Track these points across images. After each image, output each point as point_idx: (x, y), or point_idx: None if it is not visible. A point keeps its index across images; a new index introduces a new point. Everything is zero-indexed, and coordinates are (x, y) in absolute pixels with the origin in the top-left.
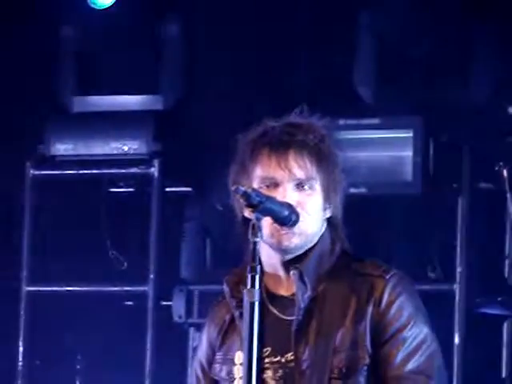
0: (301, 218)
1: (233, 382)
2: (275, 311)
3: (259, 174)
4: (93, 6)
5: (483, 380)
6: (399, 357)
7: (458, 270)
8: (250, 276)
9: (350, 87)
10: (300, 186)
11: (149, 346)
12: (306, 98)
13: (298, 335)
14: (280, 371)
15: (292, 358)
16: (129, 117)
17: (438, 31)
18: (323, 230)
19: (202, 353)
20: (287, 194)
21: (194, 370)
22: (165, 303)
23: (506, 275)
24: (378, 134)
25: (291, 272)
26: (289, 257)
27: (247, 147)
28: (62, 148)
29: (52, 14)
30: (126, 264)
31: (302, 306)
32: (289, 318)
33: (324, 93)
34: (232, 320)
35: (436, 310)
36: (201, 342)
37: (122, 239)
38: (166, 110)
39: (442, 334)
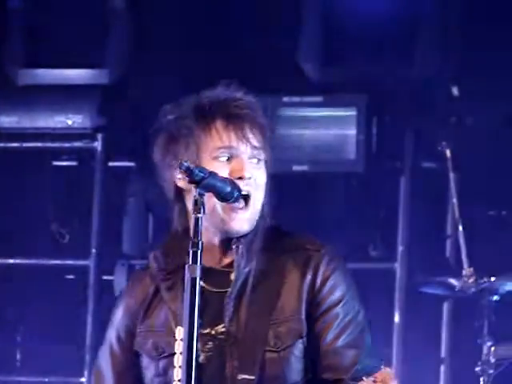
0: (252, 193)
1: (160, 355)
2: (204, 284)
3: (217, 144)
4: None
5: (422, 359)
6: (332, 332)
7: (400, 249)
8: (192, 252)
9: (295, 64)
10: (252, 158)
11: (90, 319)
12: (252, 73)
13: (231, 307)
14: (210, 343)
15: (223, 330)
16: (74, 90)
17: (384, 9)
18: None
19: (119, 324)
20: (245, 165)
21: (109, 342)
22: (106, 278)
23: (448, 255)
24: (321, 111)
25: (233, 246)
26: (233, 236)
27: (190, 119)
28: (7, 121)
29: None
30: (68, 238)
31: (240, 278)
32: (220, 290)
33: (269, 69)
34: (155, 293)
35: (377, 289)
36: (117, 314)
37: (65, 213)
38: (111, 84)
39: (383, 312)
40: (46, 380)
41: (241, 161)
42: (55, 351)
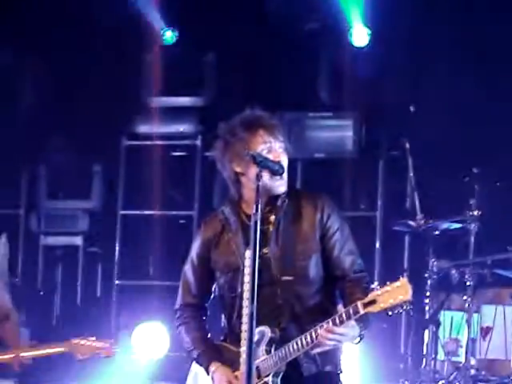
0: (284, 170)
1: (229, 270)
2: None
3: (261, 142)
4: None
5: (393, 260)
6: (337, 247)
7: (379, 203)
8: (255, 205)
9: (316, 93)
10: (280, 149)
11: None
12: (290, 100)
13: (271, 236)
14: (259, 261)
15: (267, 251)
16: (184, 110)
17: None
18: None
19: (198, 249)
20: (279, 154)
21: (191, 261)
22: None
23: (408, 206)
24: (332, 122)
25: (280, 199)
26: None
27: (240, 129)
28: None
29: None
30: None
31: (278, 218)
32: (263, 226)
33: (297, 96)
34: (221, 232)
35: (364, 229)
36: (196, 243)
37: (181, 184)
38: (205, 106)
39: (368, 242)
40: None
41: (276, 151)
42: None
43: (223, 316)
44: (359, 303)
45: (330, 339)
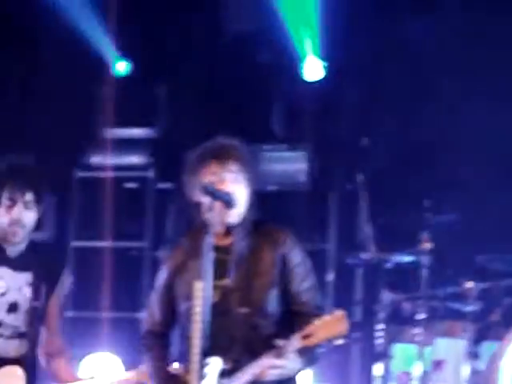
0: (237, 202)
1: (188, 297)
2: (216, 254)
3: (211, 171)
4: None
5: (345, 292)
6: (297, 281)
7: (331, 235)
8: (208, 234)
9: (268, 127)
10: (234, 180)
11: None
12: (243, 132)
13: (232, 267)
14: (219, 290)
15: (224, 282)
16: (136, 142)
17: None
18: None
19: (163, 279)
20: (228, 185)
21: (157, 290)
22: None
23: (360, 239)
24: (285, 153)
25: (234, 231)
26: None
27: (197, 160)
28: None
29: None
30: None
31: (238, 249)
32: (226, 257)
33: (250, 131)
34: (185, 261)
35: (316, 262)
36: (161, 273)
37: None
38: (158, 137)
39: (320, 276)
40: None
41: (226, 182)
42: None
43: (181, 344)
44: (296, 336)
45: (270, 371)
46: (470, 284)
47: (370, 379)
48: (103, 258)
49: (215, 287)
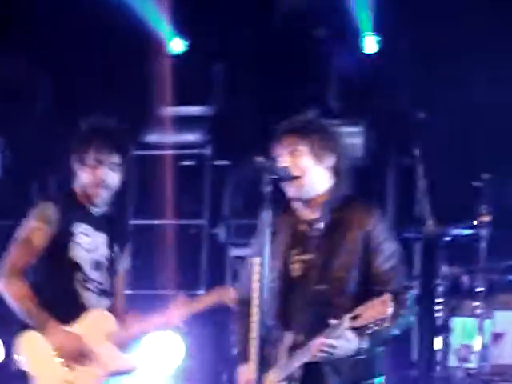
0: (295, 175)
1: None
2: (301, 228)
3: (279, 148)
4: None
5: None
6: (382, 258)
7: (389, 210)
8: (267, 209)
9: (324, 102)
10: (292, 153)
11: None
12: (299, 108)
13: (315, 242)
14: (299, 265)
15: (307, 258)
16: (191, 120)
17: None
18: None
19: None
20: (286, 159)
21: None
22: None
23: (417, 212)
24: (342, 128)
25: (320, 206)
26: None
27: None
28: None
29: None
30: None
31: (322, 224)
32: (310, 231)
33: (307, 107)
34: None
35: None
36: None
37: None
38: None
39: None
40: None
41: (283, 155)
42: None
43: None
44: (346, 317)
45: (321, 351)
46: None
47: (431, 353)
48: (161, 236)
49: (296, 261)
